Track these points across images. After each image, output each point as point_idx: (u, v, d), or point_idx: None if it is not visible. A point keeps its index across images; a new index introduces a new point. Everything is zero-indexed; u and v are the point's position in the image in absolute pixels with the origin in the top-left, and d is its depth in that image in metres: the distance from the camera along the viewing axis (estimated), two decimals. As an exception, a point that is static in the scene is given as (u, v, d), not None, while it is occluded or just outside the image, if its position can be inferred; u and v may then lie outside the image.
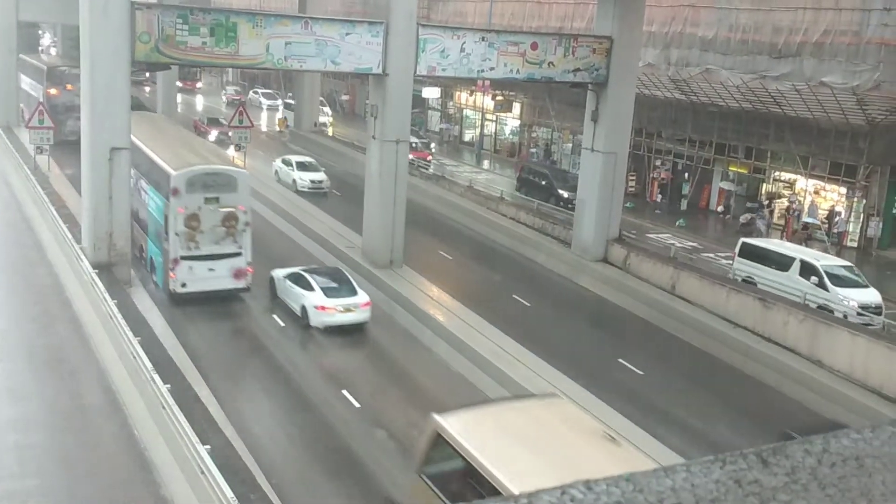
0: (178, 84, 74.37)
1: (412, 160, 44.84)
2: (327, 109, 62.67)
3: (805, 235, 36.43)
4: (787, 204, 39.07)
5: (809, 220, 37.91)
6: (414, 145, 47.96)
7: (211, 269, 26.09)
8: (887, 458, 1.43)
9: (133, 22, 25.01)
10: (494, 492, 11.41)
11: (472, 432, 13.21)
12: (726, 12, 36.85)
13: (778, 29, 34.81)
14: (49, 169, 38.27)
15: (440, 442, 13.23)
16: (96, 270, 24.27)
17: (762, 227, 39.02)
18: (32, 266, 28.92)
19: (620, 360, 25.05)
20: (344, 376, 22.50)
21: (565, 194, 40.60)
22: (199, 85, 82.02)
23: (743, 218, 39.90)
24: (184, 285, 25.85)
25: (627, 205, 37.76)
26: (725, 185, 42.03)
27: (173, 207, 25.63)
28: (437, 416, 13.66)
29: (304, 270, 26.70)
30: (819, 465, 1.38)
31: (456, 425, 13.30)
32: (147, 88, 64.91)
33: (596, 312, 30.09)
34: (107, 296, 22.41)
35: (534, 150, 54.13)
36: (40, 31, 74.65)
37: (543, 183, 42.77)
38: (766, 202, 40.61)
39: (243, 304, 27.08)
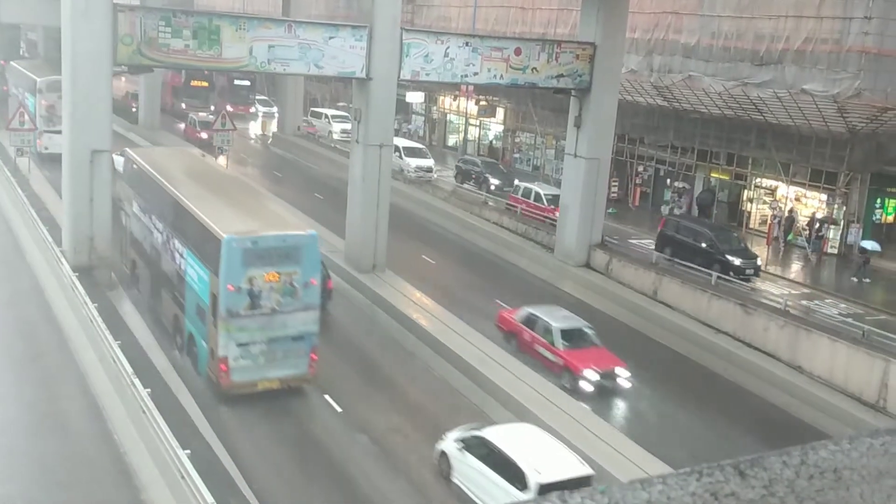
0: (229, 108, 62.55)
1: (541, 218, 36.76)
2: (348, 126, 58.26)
3: (863, 261, 32.80)
4: (769, 211, 39.26)
5: (868, 244, 33.43)
6: (539, 196, 38.58)
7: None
8: (865, 471, 1.41)
9: (115, 24, 24.87)
10: (154, 182, 24.83)
11: (145, 157, 27.69)
12: (709, 19, 37.02)
13: (760, 36, 35.00)
14: (29, 171, 37.99)
15: (130, 162, 27.70)
16: (77, 273, 24.11)
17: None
18: (12, 269, 28.68)
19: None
20: (326, 381, 22.40)
21: (736, 261, 31.15)
22: (253, 109, 65.36)
23: (664, 209, 40.73)
24: (46, 148, 39.84)
25: (609, 210, 37.52)
26: (679, 185, 42.53)
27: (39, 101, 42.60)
28: (129, 150, 29.43)
29: None
30: (797, 477, 1.37)
31: (137, 153, 28.77)
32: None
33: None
34: (87, 299, 22.27)
35: (517, 155, 54.19)
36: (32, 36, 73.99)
37: (703, 245, 32.20)
38: (683, 187, 41.41)
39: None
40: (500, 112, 55.04)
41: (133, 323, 23.39)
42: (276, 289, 20.23)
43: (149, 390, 17.26)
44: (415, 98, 57.31)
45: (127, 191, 28.07)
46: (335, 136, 55.08)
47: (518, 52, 31.29)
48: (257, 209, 23.86)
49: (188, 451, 14.99)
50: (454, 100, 58.22)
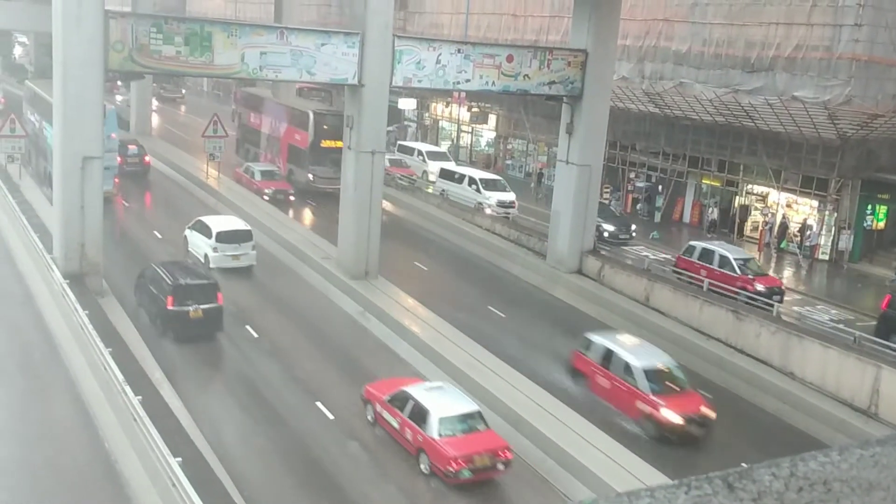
0: None
1: (733, 294, 27.51)
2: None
3: None
4: (761, 218, 39.37)
5: None
6: (725, 260, 29.91)
7: None
8: (855, 483, 1.40)
9: (107, 31, 24.80)
10: (35, 94, 41.09)
11: (35, 84, 42.10)
12: (700, 27, 37.16)
13: (751, 44, 35.15)
14: (20, 177, 37.88)
15: (29, 90, 43.51)
16: (67, 281, 24.02)
17: (615, 209, 41.05)
18: (2, 276, 28.55)
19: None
20: (319, 387, 22.36)
21: None
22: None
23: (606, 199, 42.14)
24: None
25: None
26: (641, 184, 43.04)
27: None
28: (28, 81, 46.42)
29: None
30: (786, 489, 1.36)
31: (32, 83, 42.42)
32: (119, 97, 63.01)
33: (571, 323, 30.08)
34: (78, 306, 22.18)
35: (509, 162, 54.21)
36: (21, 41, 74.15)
37: None
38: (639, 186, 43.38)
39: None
40: (492, 119, 55.14)
41: (124, 330, 23.28)
42: None
43: (140, 398, 17.18)
44: (407, 105, 57.34)
45: (26, 107, 43.37)
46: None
47: (510, 58, 31.32)
48: None
49: (179, 459, 14.92)
50: (446, 106, 58.28)
